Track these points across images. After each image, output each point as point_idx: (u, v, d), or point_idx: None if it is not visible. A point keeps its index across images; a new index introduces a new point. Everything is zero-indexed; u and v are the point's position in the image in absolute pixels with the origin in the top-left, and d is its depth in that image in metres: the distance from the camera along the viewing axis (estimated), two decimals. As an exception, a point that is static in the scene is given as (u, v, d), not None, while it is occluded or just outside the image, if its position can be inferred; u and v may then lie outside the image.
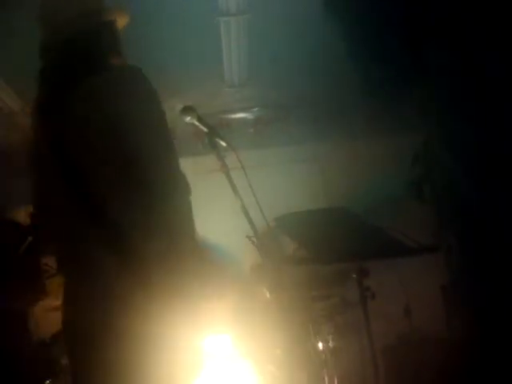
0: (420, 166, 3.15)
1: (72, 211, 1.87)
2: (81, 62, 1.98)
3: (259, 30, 3.90)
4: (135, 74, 1.96)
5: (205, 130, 2.44)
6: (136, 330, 1.77)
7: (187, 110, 2.40)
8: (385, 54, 2.66)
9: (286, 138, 5.37)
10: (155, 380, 1.79)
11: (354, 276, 2.52)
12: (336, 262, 2.67)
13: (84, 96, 1.89)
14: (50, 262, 5.52)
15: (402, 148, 4.95)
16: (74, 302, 1.97)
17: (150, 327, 1.77)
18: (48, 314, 3.71)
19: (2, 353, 2.84)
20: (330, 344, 3.96)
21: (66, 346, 2.00)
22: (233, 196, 2.37)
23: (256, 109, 5.38)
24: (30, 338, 3.18)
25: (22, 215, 4.92)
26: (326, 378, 3.79)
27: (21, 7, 3.40)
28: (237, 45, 4.09)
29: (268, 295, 3.48)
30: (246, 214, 2.30)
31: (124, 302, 1.79)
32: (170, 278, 1.80)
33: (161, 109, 1.94)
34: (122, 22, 2.15)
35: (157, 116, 1.93)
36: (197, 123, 2.42)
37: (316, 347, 3.83)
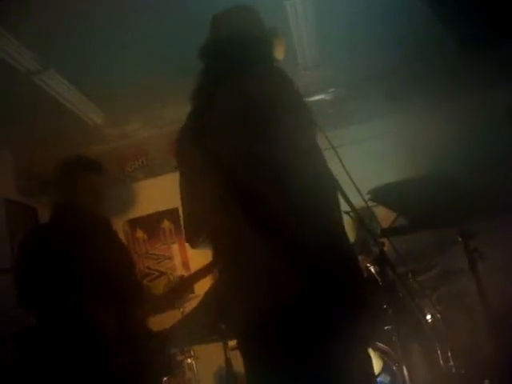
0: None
1: (231, 210, 1.94)
2: (238, 59, 2.13)
3: (326, 9, 3.86)
4: (282, 73, 2.05)
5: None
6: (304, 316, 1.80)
7: None
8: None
9: (366, 114, 5.31)
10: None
11: (459, 239, 2.45)
12: (438, 225, 2.60)
13: (240, 87, 2.02)
14: (152, 265, 5.71)
15: (484, 106, 4.84)
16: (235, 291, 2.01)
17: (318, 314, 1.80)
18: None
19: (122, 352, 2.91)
20: (439, 316, 3.89)
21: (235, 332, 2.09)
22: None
23: (332, 89, 5.33)
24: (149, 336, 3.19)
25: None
26: (439, 350, 3.72)
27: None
28: (305, 26, 4.08)
29: (372, 270, 3.45)
30: (341, 190, 2.28)
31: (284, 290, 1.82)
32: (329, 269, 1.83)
33: (307, 107, 2.03)
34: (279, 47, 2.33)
35: (307, 114, 2.01)
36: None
37: (425, 319, 3.77)
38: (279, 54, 2.35)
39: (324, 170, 1.97)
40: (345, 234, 1.99)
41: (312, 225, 1.84)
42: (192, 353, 4.17)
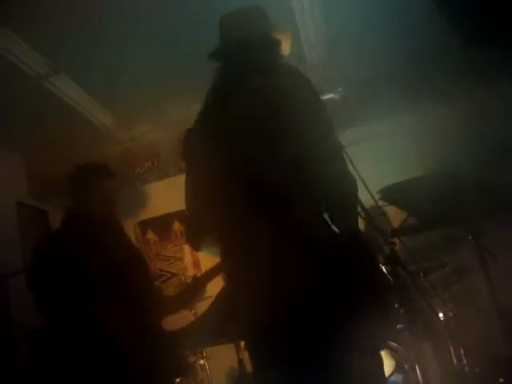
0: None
1: (237, 211, 1.95)
2: (244, 61, 2.16)
3: (333, 6, 3.86)
4: (291, 69, 2.07)
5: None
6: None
7: None
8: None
9: (374, 113, 5.29)
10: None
11: (470, 237, 2.43)
12: (448, 224, 2.59)
13: (254, 86, 2.03)
14: (163, 267, 5.72)
15: (490, 103, 4.83)
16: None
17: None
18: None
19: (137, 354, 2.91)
20: (451, 314, 3.87)
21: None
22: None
23: (340, 88, 5.32)
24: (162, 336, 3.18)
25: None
26: (452, 348, 3.71)
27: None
28: (312, 24, 4.08)
29: (384, 269, 3.44)
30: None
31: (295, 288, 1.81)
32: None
33: (321, 100, 2.03)
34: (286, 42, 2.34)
35: (324, 110, 2.01)
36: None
37: (437, 318, 3.76)
38: (285, 49, 2.35)
39: (344, 166, 1.98)
40: (361, 232, 1.98)
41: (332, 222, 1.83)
42: (204, 354, 4.17)
